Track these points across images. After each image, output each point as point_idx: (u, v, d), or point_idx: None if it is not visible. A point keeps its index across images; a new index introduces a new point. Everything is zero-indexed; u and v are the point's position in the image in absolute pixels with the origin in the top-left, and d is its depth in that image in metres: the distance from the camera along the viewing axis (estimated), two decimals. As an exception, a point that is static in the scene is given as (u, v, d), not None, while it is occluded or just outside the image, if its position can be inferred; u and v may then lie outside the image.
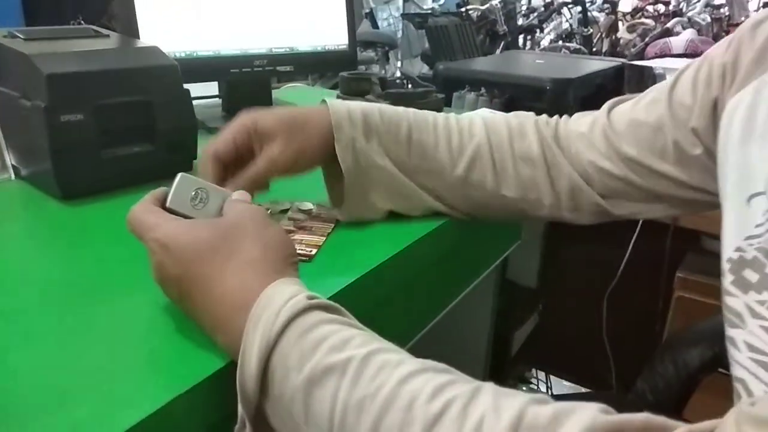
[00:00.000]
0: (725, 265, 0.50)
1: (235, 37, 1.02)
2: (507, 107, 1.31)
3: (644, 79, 1.58)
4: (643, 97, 0.64)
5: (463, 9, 3.51)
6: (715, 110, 0.56)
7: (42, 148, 0.67)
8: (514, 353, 1.27)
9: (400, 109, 0.68)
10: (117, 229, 0.64)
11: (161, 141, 0.75)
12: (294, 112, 0.63)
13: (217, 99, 1.15)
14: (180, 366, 0.43)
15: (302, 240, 0.62)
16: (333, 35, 1.15)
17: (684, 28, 2.89)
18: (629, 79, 1.63)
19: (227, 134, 0.61)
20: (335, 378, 0.37)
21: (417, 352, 0.72)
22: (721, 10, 3.20)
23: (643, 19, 3.75)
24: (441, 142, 0.67)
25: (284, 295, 0.41)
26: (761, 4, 3.28)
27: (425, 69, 3.60)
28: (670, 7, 3.72)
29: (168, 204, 0.48)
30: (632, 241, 1.34)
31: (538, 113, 1.26)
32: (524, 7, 4.27)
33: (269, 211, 0.68)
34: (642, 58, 2.28)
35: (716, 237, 0.52)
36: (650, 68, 1.63)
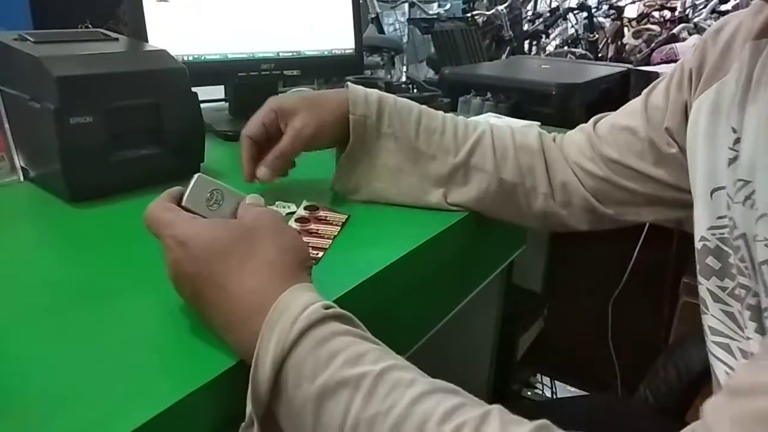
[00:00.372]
0: (696, 255, 0.54)
1: (242, 41, 1.03)
2: (513, 112, 1.31)
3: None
4: (624, 108, 0.70)
5: (468, 14, 3.51)
6: (686, 112, 0.60)
7: (51, 150, 0.68)
8: (519, 358, 1.27)
9: (413, 101, 0.74)
10: (125, 231, 0.65)
11: (169, 144, 0.75)
12: (314, 94, 0.72)
13: (224, 102, 1.16)
14: (188, 366, 0.43)
15: (309, 243, 0.63)
16: (340, 39, 1.15)
17: (690, 34, 2.89)
18: (635, 85, 1.63)
19: (257, 117, 0.70)
20: (348, 392, 0.38)
21: (424, 355, 0.73)
22: (727, 16, 3.18)
23: (648, 25, 3.75)
24: (447, 129, 0.72)
25: (301, 302, 0.41)
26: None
27: (431, 74, 3.60)
28: (676, 13, 3.72)
29: (183, 203, 0.49)
30: (638, 246, 1.33)
31: (544, 118, 1.28)
32: (530, 13, 4.28)
33: None
34: (648, 64, 2.29)
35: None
36: (656, 74, 1.63)
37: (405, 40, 5.01)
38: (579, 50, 3.28)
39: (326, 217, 0.69)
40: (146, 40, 0.90)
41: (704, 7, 3.44)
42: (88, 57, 0.72)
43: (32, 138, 0.74)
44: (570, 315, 1.43)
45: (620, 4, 3.97)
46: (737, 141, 0.50)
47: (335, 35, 1.15)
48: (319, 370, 0.39)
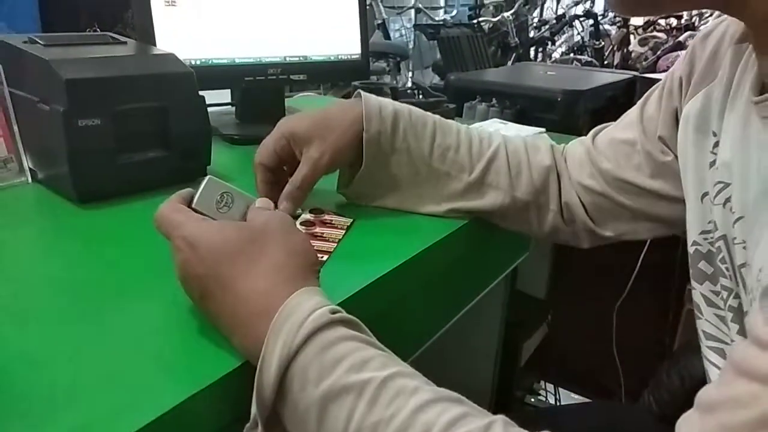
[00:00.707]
0: (689, 260, 0.55)
1: (249, 46, 1.03)
2: (518, 118, 1.32)
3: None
4: (621, 119, 0.71)
5: (475, 21, 3.52)
6: (677, 119, 0.60)
7: (59, 152, 0.69)
8: (523, 364, 1.27)
9: (428, 113, 0.73)
10: (131, 233, 0.66)
11: (176, 147, 0.76)
12: (327, 113, 0.69)
13: (230, 106, 1.17)
14: (193, 366, 0.43)
15: (314, 246, 0.63)
16: (346, 45, 1.16)
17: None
18: (641, 92, 1.63)
19: (268, 144, 0.68)
20: (352, 398, 0.38)
21: (427, 360, 0.73)
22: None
23: (654, 33, 3.75)
24: (462, 146, 0.71)
25: (308, 306, 0.42)
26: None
27: (436, 79, 3.61)
28: (682, 21, 3.73)
29: (194, 204, 0.49)
30: (642, 254, 1.33)
31: (549, 124, 1.28)
32: (536, 20, 4.29)
33: None
34: (654, 71, 2.29)
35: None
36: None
37: (411, 46, 5.03)
38: (585, 57, 3.29)
39: (331, 220, 0.69)
40: (154, 44, 0.91)
41: (710, 15, 3.44)
42: (96, 60, 0.72)
43: (40, 140, 0.75)
44: (574, 322, 1.43)
45: (626, 11, 3.98)
46: (716, 144, 0.51)
47: (342, 40, 1.16)
48: (324, 374, 0.39)
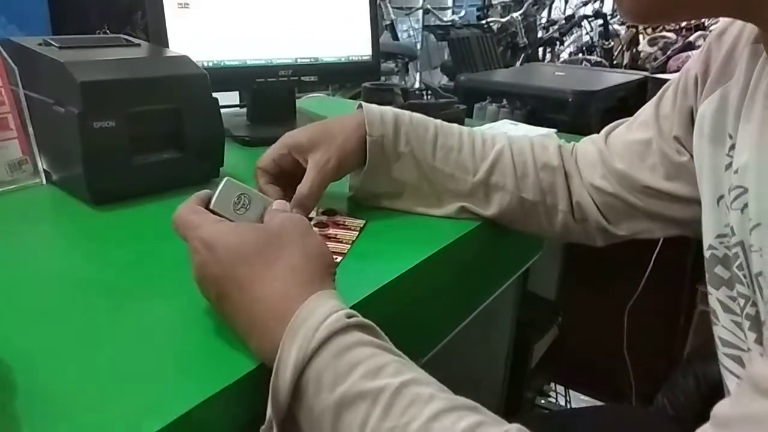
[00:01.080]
0: (705, 264, 0.53)
1: (261, 47, 1.04)
2: (528, 119, 1.32)
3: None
4: (635, 118, 0.69)
5: (484, 21, 3.52)
6: (692, 118, 0.59)
7: (74, 153, 0.69)
8: (534, 365, 1.27)
9: (429, 117, 0.73)
10: (146, 234, 0.66)
11: (190, 148, 0.76)
12: (328, 123, 0.70)
13: (240, 108, 1.17)
14: (210, 368, 0.44)
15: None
16: (357, 46, 1.16)
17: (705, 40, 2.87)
18: (652, 93, 1.62)
19: (268, 153, 0.69)
20: (366, 405, 0.38)
21: (438, 363, 0.73)
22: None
23: (664, 33, 3.73)
24: (465, 147, 0.71)
25: (324, 309, 0.42)
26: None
27: (444, 80, 3.61)
28: (692, 21, 3.70)
29: (211, 206, 0.49)
30: (654, 254, 1.33)
31: (560, 125, 1.27)
32: (544, 20, 4.28)
33: None
34: (664, 72, 2.28)
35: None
36: (673, 82, 1.62)
37: (419, 46, 5.02)
38: (594, 57, 3.28)
39: (344, 222, 0.69)
40: (167, 46, 0.91)
41: (721, 15, 3.42)
42: (111, 62, 0.73)
43: (55, 141, 0.75)
44: (585, 323, 1.43)
45: (636, 11, 3.95)
46: (732, 147, 0.50)
47: (353, 42, 1.16)
48: (339, 379, 0.39)
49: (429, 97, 1.38)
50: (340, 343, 0.40)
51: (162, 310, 0.51)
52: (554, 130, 1.23)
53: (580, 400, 1.64)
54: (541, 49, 3.81)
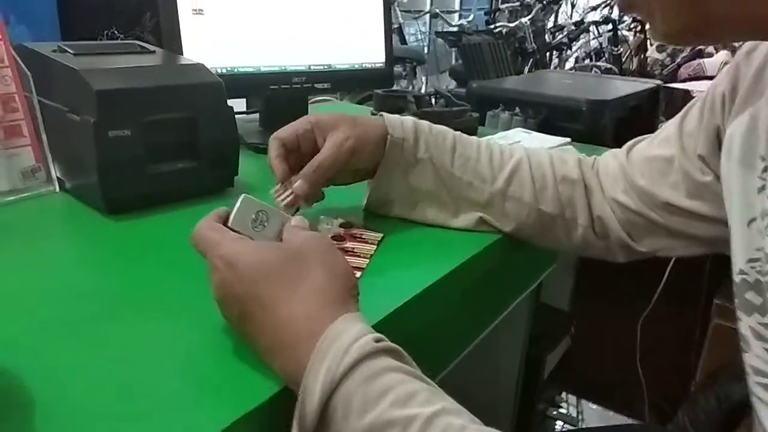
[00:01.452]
0: (734, 289, 0.51)
1: (274, 54, 1.03)
2: (542, 127, 1.30)
3: (682, 103, 1.56)
4: (658, 133, 0.68)
5: (492, 26, 3.51)
6: (718, 137, 0.58)
7: (89, 162, 0.68)
8: (546, 376, 1.25)
9: (446, 127, 0.73)
10: (162, 245, 0.65)
11: (205, 157, 0.75)
12: (353, 115, 0.70)
13: (254, 114, 1.16)
14: (232, 392, 0.42)
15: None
16: (370, 53, 1.15)
17: (716, 50, 2.86)
18: (664, 102, 1.61)
19: (291, 125, 0.68)
20: None
21: (451, 373, 0.72)
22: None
23: (673, 39, 3.70)
24: (483, 157, 0.71)
25: (352, 333, 0.41)
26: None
27: (452, 85, 3.60)
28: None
29: (230, 224, 0.48)
30: (669, 267, 1.31)
31: (574, 134, 1.26)
32: (550, 24, 4.26)
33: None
34: (674, 79, 2.26)
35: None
36: (686, 91, 1.61)
37: (426, 50, 5.02)
38: (603, 64, 3.26)
39: (361, 235, 0.68)
40: (181, 52, 0.90)
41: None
42: (126, 70, 0.72)
43: (69, 149, 0.74)
44: (598, 334, 1.41)
45: (644, 17, 3.94)
46: (765, 170, 0.48)
47: (366, 49, 1.15)
48: (369, 406, 0.38)
49: (438, 102, 1.36)
50: (369, 367, 0.39)
51: (180, 327, 0.50)
52: (568, 139, 1.21)
53: (591, 410, 1.63)
54: (547, 54, 3.80)
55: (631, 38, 3.87)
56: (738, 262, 0.51)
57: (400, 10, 4.47)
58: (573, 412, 1.55)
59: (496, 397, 1.16)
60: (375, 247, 0.66)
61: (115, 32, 1.89)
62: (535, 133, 1.25)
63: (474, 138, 0.73)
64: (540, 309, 1.17)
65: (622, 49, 3.50)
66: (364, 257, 0.63)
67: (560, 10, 4.79)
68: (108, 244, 0.67)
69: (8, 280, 0.56)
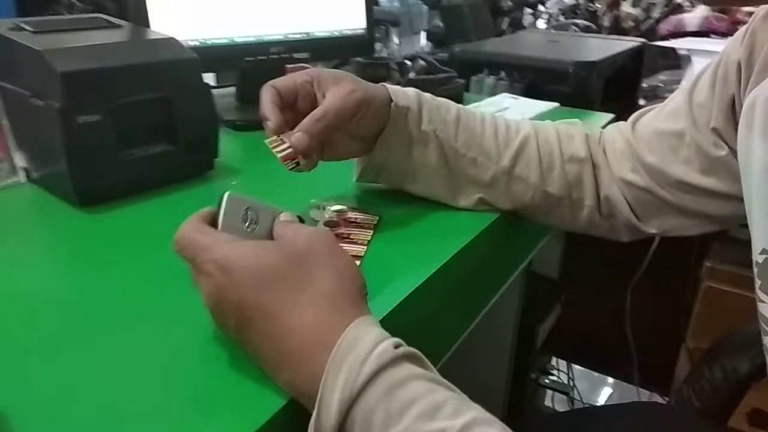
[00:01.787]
0: (754, 269, 0.49)
1: (249, 23, 0.97)
2: (528, 92, 1.26)
3: (668, 62, 1.53)
4: (665, 105, 0.64)
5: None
6: (733, 108, 0.55)
7: (57, 150, 0.63)
8: (539, 345, 1.24)
9: (448, 100, 0.68)
10: (140, 239, 0.61)
11: (182, 140, 0.70)
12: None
13: (229, 89, 1.10)
14: (234, 409, 0.39)
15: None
16: (351, 19, 1.10)
17: (693, 4, 2.82)
18: (648, 61, 1.58)
19: (289, 76, 0.61)
20: None
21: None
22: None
23: (648, -7, 3.66)
24: (488, 132, 0.66)
25: (369, 339, 0.37)
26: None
27: (428, 47, 3.52)
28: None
29: (219, 228, 0.43)
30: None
31: (561, 98, 1.22)
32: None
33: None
34: (653, 36, 2.22)
35: (745, 225, 0.51)
36: (674, 50, 1.58)
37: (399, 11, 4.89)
38: (582, 21, 3.21)
39: (357, 219, 0.64)
40: (148, 25, 0.84)
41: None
42: (93, 48, 0.66)
43: (34, 137, 0.69)
44: (588, 299, 1.41)
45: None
46: None
47: (346, 15, 1.09)
48: (392, 421, 0.34)
49: (420, 67, 1.30)
50: (390, 377, 0.36)
51: (168, 334, 0.46)
52: (557, 104, 1.18)
53: (581, 373, 1.64)
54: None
55: (605, -7, 3.81)
56: (760, 241, 0.48)
57: (371, -30, 4.34)
58: (564, 379, 1.56)
59: (490, 371, 1.15)
60: (372, 231, 0.62)
61: (75, 2, 1.79)
62: (522, 99, 1.21)
63: (477, 110, 0.69)
64: (530, 278, 1.15)
65: (599, 6, 3.44)
66: (362, 244, 0.60)
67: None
68: (81, 239, 0.62)
69: (-26, 286, 0.52)
